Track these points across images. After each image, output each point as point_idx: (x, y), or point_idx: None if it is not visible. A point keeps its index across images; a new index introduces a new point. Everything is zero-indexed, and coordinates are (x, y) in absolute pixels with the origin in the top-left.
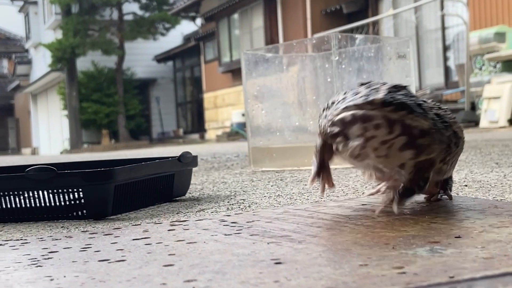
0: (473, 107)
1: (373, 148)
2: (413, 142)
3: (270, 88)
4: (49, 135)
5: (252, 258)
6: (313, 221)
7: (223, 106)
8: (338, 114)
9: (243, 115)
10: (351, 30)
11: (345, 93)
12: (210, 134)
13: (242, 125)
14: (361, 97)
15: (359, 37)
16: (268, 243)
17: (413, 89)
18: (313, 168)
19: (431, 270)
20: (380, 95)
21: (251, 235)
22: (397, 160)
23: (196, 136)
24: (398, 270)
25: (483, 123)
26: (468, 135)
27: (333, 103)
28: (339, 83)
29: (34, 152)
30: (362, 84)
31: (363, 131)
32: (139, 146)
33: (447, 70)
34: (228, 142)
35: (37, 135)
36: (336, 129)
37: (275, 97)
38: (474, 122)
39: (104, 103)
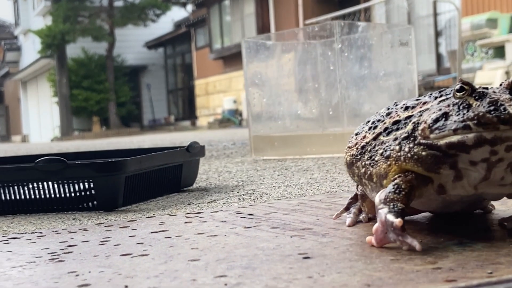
0: None
1: (500, 176)
2: None
3: (271, 76)
4: (40, 122)
5: (278, 252)
6: (331, 213)
7: (214, 93)
8: (446, 136)
9: (234, 102)
10: (343, 17)
11: (406, 108)
12: (202, 121)
13: (234, 112)
14: (472, 112)
15: (361, 24)
16: (291, 237)
17: (414, 77)
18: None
19: (466, 265)
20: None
21: (272, 227)
22: None
23: (187, 123)
24: (432, 265)
25: None
26: None
27: (397, 122)
28: (341, 71)
29: (24, 139)
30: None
31: (489, 155)
32: (130, 133)
33: (439, 57)
34: (220, 129)
35: (27, 122)
36: (442, 154)
37: (276, 85)
38: None
39: (95, 90)
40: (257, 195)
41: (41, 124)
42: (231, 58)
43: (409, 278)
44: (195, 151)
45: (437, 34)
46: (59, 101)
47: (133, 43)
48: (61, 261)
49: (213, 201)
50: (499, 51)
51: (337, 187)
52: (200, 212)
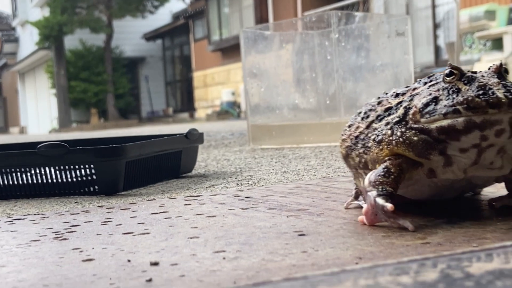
0: None
1: (490, 160)
2: None
3: (269, 66)
4: (37, 114)
5: (275, 230)
6: (327, 196)
7: (212, 85)
8: (436, 120)
9: (233, 94)
10: (341, 8)
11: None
12: (200, 113)
13: (232, 104)
14: (461, 96)
15: (358, 14)
16: (287, 216)
17: (411, 67)
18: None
19: (453, 240)
20: (501, 91)
21: (269, 209)
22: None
23: (185, 115)
24: (421, 240)
25: None
26: None
27: (388, 109)
28: (338, 61)
29: (22, 131)
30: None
31: (480, 141)
32: (129, 125)
33: (437, 49)
34: (218, 121)
35: (25, 114)
36: (433, 140)
37: (274, 75)
38: None
39: (93, 82)
40: (255, 180)
41: (39, 116)
42: (230, 50)
43: (399, 251)
44: (194, 138)
45: (435, 26)
46: (57, 92)
47: (131, 35)
48: (65, 239)
49: (212, 186)
50: (497, 43)
51: (333, 173)
52: (199, 196)
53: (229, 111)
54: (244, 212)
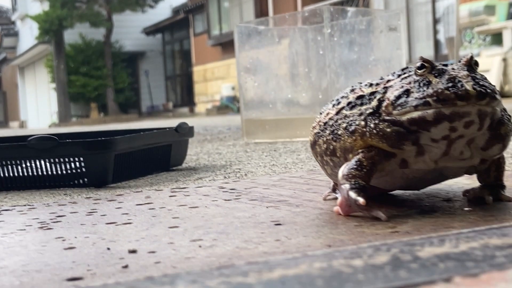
0: None
1: (459, 150)
2: (500, 134)
3: (263, 61)
4: (37, 108)
5: (253, 220)
6: (309, 187)
7: (212, 80)
8: (407, 112)
9: (233, 88)
10: (341, 3)
11: (370, 85)
12: (200, 108)
13: (232, 99)
14: (431, 89)
15: (350, 9)
16: (267, 207)
17: (403, 62)
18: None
19: (421, 229)
20: (469, 84)
21: (251, 200)
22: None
23: (185, 109)
24: (391, 229)
25: None
26: None
27: (361, 97)
28: (331, 56)
29: (22, 125)
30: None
31: (449, 132)
32: (128, 119)
33: (437, 43)
34: (218, 115)
35: (25, 108)
36: (405, 131)
37: (268, 70)
38: None
39: (93, 76)
40: (243, 173)
41: (39, 110)
42: (230, 45)
43: (368, 240)
44: (184, 131)
45: (435, 21)
46: (56, 87)
47: (131, 29)
48: (49, 228)
49: (200, 178)
50: (496, 38)
51: (319, 166)
52: (185, 187)
53: (229, 105)
54: (226, 203)
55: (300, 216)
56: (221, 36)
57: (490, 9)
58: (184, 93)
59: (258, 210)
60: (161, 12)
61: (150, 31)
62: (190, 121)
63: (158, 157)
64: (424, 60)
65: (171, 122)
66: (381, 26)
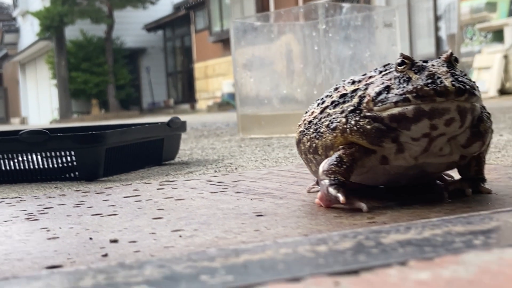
0: None
1: (439, 147)
2: (479, 132)
3: (259, 57)
4: (38, 104)
5: (235, 211)
6: (295, 180)
7: (213, 76)
8: (388, 108)
9: (233, 85)
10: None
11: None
12: (201, 104)
13: (233, 95)
14: (411, 85)
15: (345, 6)
16: (251, 199)
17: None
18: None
19: (398, 220)
20: (448, 80)
21: (236, 192)
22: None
23: (186, 106)
24: (369, 220)
25: None
26: None
27: (343, 96)
28: (325, 52)
29: (23, 121)
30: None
31: (430, 130)
32: (129, 116)
33: (438, 40)
34: (219, 112)
35: (26, 104)
36: (386, 128)
37: (263, 66)
38: None
39: (94, 73)
40: (233, 167)
41: (40, 107)
42: None
43: (343, 229)
44: (176, 126)
45: (437, 17)
46: (57, 83)
47: (132, 26)
48: (36, 220)
49: (190, 172)
50: (497, 35)
51: None
52: (174, 181)
53: (230, 102)
54: (212, 196)
55: (282, 207)
56: (222, 32)
57: (491, 6)
58: (185, 90)
59: (242, 202)
60: (162, 9)
61: (151, 27)
62: (190, 118)
63: (150, 151)
64: (404, 56)
65: None
66: (377, 22)
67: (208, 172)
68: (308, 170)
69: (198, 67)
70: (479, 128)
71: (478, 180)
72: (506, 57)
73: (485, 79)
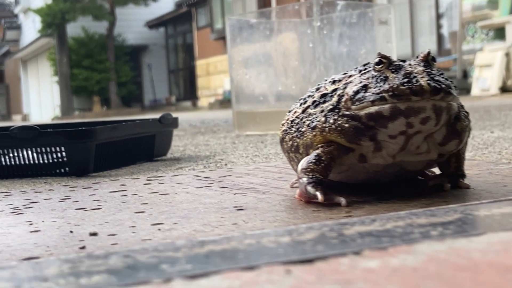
0: (465, 75)
1: (416, 145)
2: (456, 130)
3: (254, 54)
4: (40, 101)
5: (217, 206)
6: (280, 176)
7: (215, 74)
8: (365, 107)
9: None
10: None
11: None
12: (203, 102)
13: None
14: (388, 84)
15: (340, 3)
16: (234, 194)
17: (394, 56)
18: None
19: (374, 213)
20: (424, 79)
21: (221, 187)
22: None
23: (188, 103)
24: (346, 214)
25: (475, 91)
26: None
27: (324, 95)
28: (320, 49)
29: (25, 118)
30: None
31: (406, 128)
32: (131, 113)
33: (439, 38)
34: (221, 109)
35: (28, 101)
36: (363, 126)
37: (259, 63)
38: (465, 90)
39: (95, 70)
40: (223, 163)
41: (41, 103)
42: None
43: (319, 222)
44: (167, 122)
45: (438, 15)
46: (59, 80)
47: (134, 23)
48: (20, 214)
49: (180, 168)
50: (499, 33)
51: None
52: (161, 176)
53: None
54: (196, 191)
55: (263, 202)
56: (223, 30)
57: (493, 4)
58: (187, 87)
59: (225, 196)
60: (164, 6)
61: (153, 24)
62: (190, 115)
63: (141, 147)
64: (382, 56)
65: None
66: (372, 20)
67: (198, 168)
68: (292, 168)
69: (200, 64)
70: (456, 126)
71: (457, 176)
72: (507, 54)
73: (487, 77)
